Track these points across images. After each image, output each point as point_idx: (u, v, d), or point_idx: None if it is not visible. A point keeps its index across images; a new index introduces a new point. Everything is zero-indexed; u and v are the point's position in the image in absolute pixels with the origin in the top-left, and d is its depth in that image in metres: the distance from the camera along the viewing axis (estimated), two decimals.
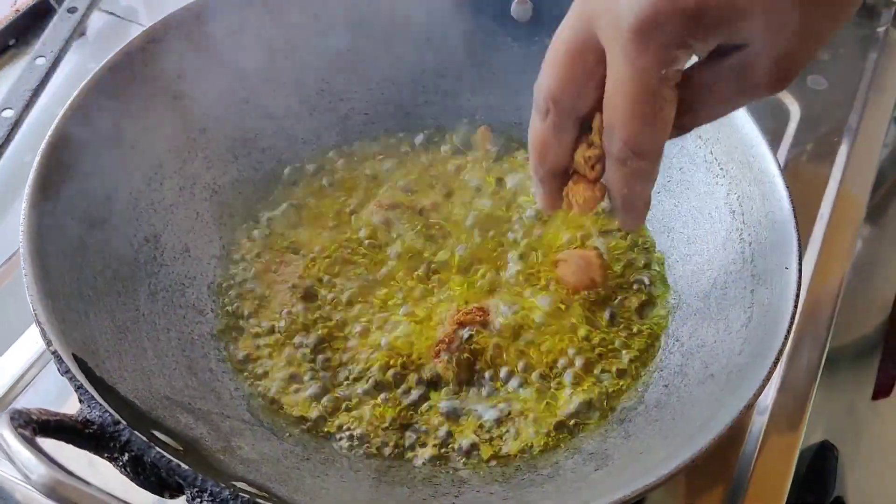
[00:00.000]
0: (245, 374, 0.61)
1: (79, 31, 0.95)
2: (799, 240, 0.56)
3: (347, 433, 0.58)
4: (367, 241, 0.67)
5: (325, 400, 0.59)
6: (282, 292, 0.65)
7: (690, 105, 0.42)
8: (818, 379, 0.70)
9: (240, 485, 0.46)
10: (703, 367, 0.56)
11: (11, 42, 0.99)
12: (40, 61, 0.91)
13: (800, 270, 0.54)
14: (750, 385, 0.49)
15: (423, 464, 0.56)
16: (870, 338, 0.94)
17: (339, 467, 0.55)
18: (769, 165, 0.60)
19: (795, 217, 0.57)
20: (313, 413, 0.59)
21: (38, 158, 0.56)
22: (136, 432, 0.44)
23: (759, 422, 0.67)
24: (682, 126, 0.43)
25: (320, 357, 0.61)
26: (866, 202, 0.83)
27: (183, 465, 0.43)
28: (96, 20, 1.01)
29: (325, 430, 0.58)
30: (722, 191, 0.64)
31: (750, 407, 0.48)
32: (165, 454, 0.44)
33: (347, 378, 0.60)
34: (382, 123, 0.75)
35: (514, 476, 0.55)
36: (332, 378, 0.60)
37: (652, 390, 0.58)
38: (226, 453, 0.51)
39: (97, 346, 0.52)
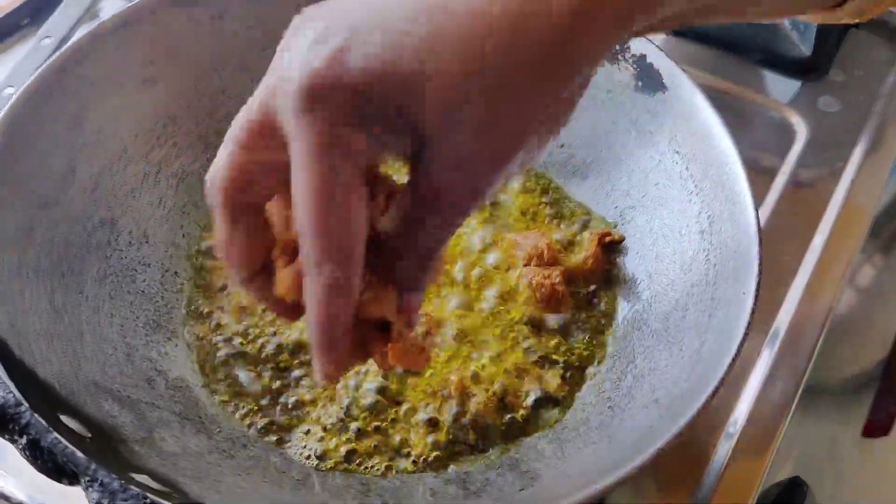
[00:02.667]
0: (197, 366, 0.60)
1: (91, 13, 0.96)
2: (760, 266, 0.53)
3: (280, 434, 0.56)
4: None
5: (264, 400, 0.58)
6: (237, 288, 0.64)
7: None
8: (792, 410, 0.67)
9: (141, 478, 0.44)
10: (650, 390, 0.54)
11: (25, 21, 0.99)
12: (47, 41, 0.92)
13: (755, 296, 0.51)
14: (686, 413, 0.47)
15: (346, 471, 0.54)
16: (867, 373, 0.90)
17: (264, 467, 0.54)
18: (741, 185, 0.57)
19: (760, 241, 0.54)
20: (250, 410, 0.57)
21: None
22: (36, 415, 0.44)
23: (722, 451, 0.64)
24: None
25: (265, 355, 0.60)
26: (866, 229, 0.79)
27: (77, 453, 0.43)
28: (110, 3, 1.01)
29: (260, 428, 0.56)
30: (694, 209, 0.61)
31: (679, 435, 0.46)
32: (62, 440, 0.43)
33: (290, 381, 0.59)
34: None
35: (441, 489, 0.53)
36: (274, 378, 0.59)
37: (597, 410, 0.56)
38: (144, 444, 0.50)
39: (26, 327, 0.52)
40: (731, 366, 0.48)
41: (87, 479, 0.42)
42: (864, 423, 0.84)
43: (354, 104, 0.32)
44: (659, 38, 0.96)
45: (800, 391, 0.68)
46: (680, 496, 0.63)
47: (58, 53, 0.61)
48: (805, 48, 0.92)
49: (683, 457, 0.65)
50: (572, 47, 0.32)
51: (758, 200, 0.79)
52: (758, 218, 0.55)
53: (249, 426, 0.57)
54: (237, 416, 0.57)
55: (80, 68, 0.62)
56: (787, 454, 0.74)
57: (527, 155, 0.35)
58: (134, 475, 0.44)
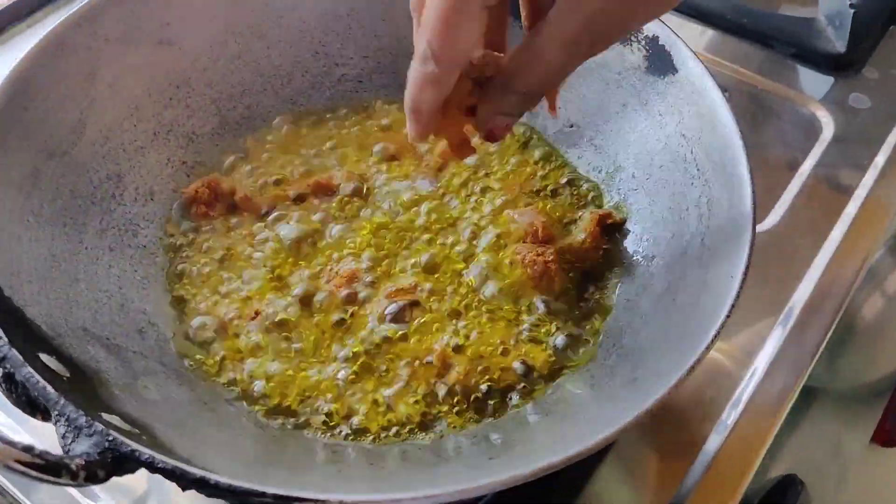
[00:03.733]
0: (182, 320, 0.61)
1: None
2: (751, 250, 0.52)
3: (266, 392, 0.57)
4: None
5: (251, 359, 0.58)
6: (239, 246, 0.64)
7: (517, 70, 0.44)
8: (790, 406, 0.66)
9: (111, 418, 0.45)
10: (632, 370, 0.53)
11: None
12: None
13: (742, 281, 0.50)
14: (657, 392, 0.46)
15: (324, 433, 0.55)
16: (885, 379, 0.88)
17: (243, 423, 0.54)
18: (741, 169, 0.56)
19: (754, 226, 0.53)
20: (237, 367, 0.58)
21: (3, 81, 0.58)
22: (13, 350, 0.45)
23: (714, 442, 0.63)
24: (526, 95, 0.45)
25: (262, 317, 0.60)
26: (886, 228, 0.77)
27: (49, 388, 0.43)
28: None
29: (244, 387, 0.57)
30: (695, 193, 0.60)
31: (650, 412, 0.45)
32: (35, 374, 0.44)
33: (277, 342, 0.59)
34: (374, 92, 0.74)
35: (414, 455, 0.53)
36: (268, 339, 0.60)
37: (578, 387, 0.56)
38: (125, 390, 0.51)
39: (20, 268, 0.53)
40: (707, 348, 0.47)
41: (56, 413, 0.43)
42: (874, 429, 0.82)
43: None
44: (684, 26, 0.95)
45: (799, 387, 0.67)
46: (668, 484, 0.62)
47: (74, 9, 0.63)
48: (839, 44, 0.90)
49: (674, 445, 0.64)
50: None
51: (777, 193, 0.79)
52: (754, 203, 0.54)
53: (231, 383, 0.57)
54: (221, 372, 0.58)
55: (96, 25, 0.63)
56: (787, 451, 0.73)
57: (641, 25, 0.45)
58: (104, 415, 0.45)
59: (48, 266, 0.56)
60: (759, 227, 0.75)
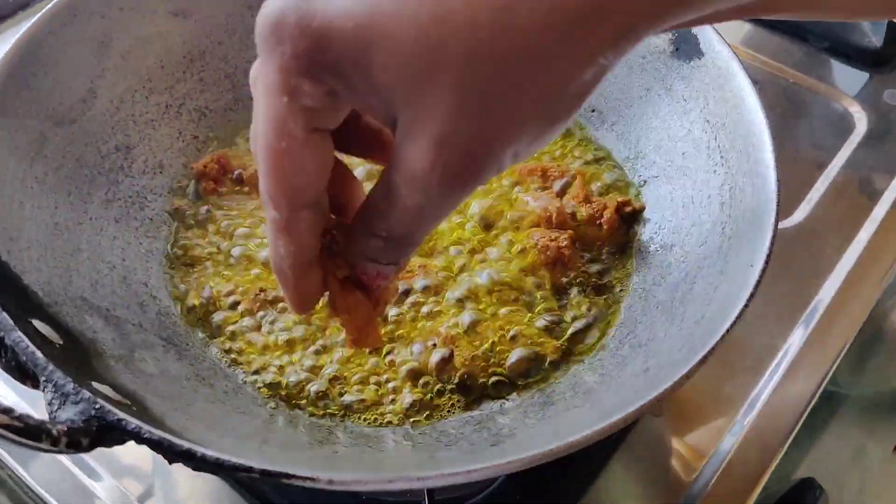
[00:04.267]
0: (186, 298, 0.59)
1: None
2: (773, 238, 0.50)
3: (265, 370, 0.55)
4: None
5: (254, 335, 0.57)
6: (246, 222, 0.63)
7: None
8: (809, 407, 0.63)
9: (102, 388, 0.44)
10: (644, 360, 0.51)
11: None
12: None
13: (762, 271, 0.48)
14: (667, 381, 0.44)
15: (322, 414, 0.53)
16: None
17: (241, 400, 0.53)
18: (766, 155, 0.54)
19: (777, 214, 0.51)
20: (238, 342, 0.57)
21: (12, 45, 0.57)
22: (4, 314, 0.44)
23: (728, 441, 0.61)
24: (391, 241, 0.35)
25: (265, 295, 0.59)
26: None
27: (38, 353, 0.42)
28: None
29: (246, 363, 0.56)
30: (717, 180, 0.58)
31: (659, 400, 0.43)
32: (24, 339, 0.43)
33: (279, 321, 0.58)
34: None
35: (414, 439, 0.51)
36: (269, 314, 0.58)
37: (587, 377, 0.54)
38: (121, 361, 0.50)
39: (20, 234, 0.52)
40: (722, 338, 0.45)
41: (44, 379, 0.42)
42: None
43: (311, 52, 0.30)
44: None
45: (820, 389, 0.65)
46: (679, 482, 0.60)
47: None
48: (876, 39, 0.87)
49: (688, 443, 0.62)
50: (581, 37, 0.29)
51: (805, 188, 0.77)
52: (779, 190, 0.52)
53: (233, 361, 0.56)
54: (222, 349, 0.57)
55: None
56: (809, 455, 0.70)
57: (518, 148, 0.31)
58: (94, 384, 0.44)
59: (50, 234, 0.54)
60: (786, 223, 0.73)
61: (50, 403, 0.42)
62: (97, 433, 0.41)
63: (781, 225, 0.74)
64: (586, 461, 0.60)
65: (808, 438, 0.71)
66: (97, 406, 0.41)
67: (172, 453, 0.40)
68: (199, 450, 0.40)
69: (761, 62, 0.89)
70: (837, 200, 0.76)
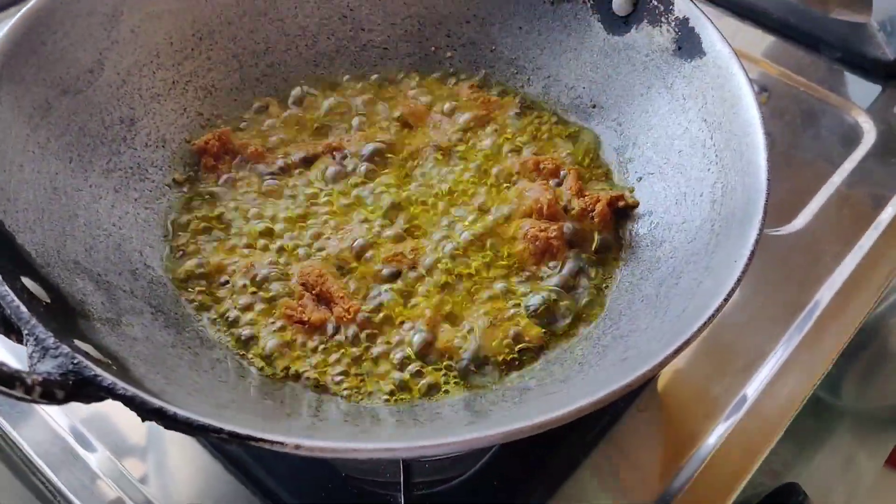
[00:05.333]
0: (180, 270, 0.60)
1: None
2: (758, 236, 0.50)
3: (254, 343, 0.56)
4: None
5: (248, 311, 0.58)
6: (243, 201, 0.64)
7: None
8: (795, 412, 0.63)
9: (84, 346, 0.45)
10: (623, 350, 0.51)
11: None
12: None
13: (745, 266, 0.48)
14: (640, 369, 0.44)
15: (306, 387, 0.54)
16: None
17: (224, 369, 0.54)
18: (758, 155, 0.54)
19: (764, 212, 0.51)
20: (228, 316, 0.57)
21: (22, 12, 0.58)
22: None
23: (713, 440, 0.61)
24: None
25: (262, 272, 0.60)
26: None
27: (22, 307, 0.43)
28: None
29: (237, 339, 0.57)
30: (711, 179, 0.58)
31: (619, 395, 0.43)
32: (10, 293, 0.44)
33: (280, 292, 0.59)
34: (398, 61, 0.74)
35: (394, 416, 0.52)
36: (263, 292, 0.59)
37: (567, 365, 0.54)
38: (108, 324, 0.51)
39: (18, 196, 0.53)
40: (699, 330, 0.45)
41: (26, 333, 0.43)
42: (890, 452, 0.78)
43: None
44: (725, 21, 0.92)
45: (809, 394, 0.64)
46: (659, 480, 0.60)
47: None
48: (890, 51, 0.86)
49: (670, 440, 0.62)
50: None
51: (808, 196, 0.76)
52: (768, 190, 0.52)
53: (221, 332, 0.57)
54: (211, 319, 0.57)
55: None
56: (797, 461, 0.70)
57: None
58: (77, 341, 0.45)
59: (48, 198, 0.56)
60: (786, 228, 0.73)
61: (31, 356, 0.42)
62: (73, 387, 0.41)
63: (782, 230, 0.74)
64: (566, 452, 0.60)
65: (798, 445, 0.70)
66: (75, 361, 0.42)
67: (145, 410, 0.41)
68: (171, 408, 0.41)
69: (772, 69, 0.89)
70: (840, 209, 0.76)
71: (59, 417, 0.62)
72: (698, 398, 0.64)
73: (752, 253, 0.49)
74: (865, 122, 0.83)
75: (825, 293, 0.70)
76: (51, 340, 0.42)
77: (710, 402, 0.64)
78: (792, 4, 0.93)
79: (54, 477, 0.60)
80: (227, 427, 0.40)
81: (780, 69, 0.90)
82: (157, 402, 0.41)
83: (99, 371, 0.42)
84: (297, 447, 0.40)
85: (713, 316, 0.46)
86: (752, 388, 0.64)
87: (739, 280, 0.48)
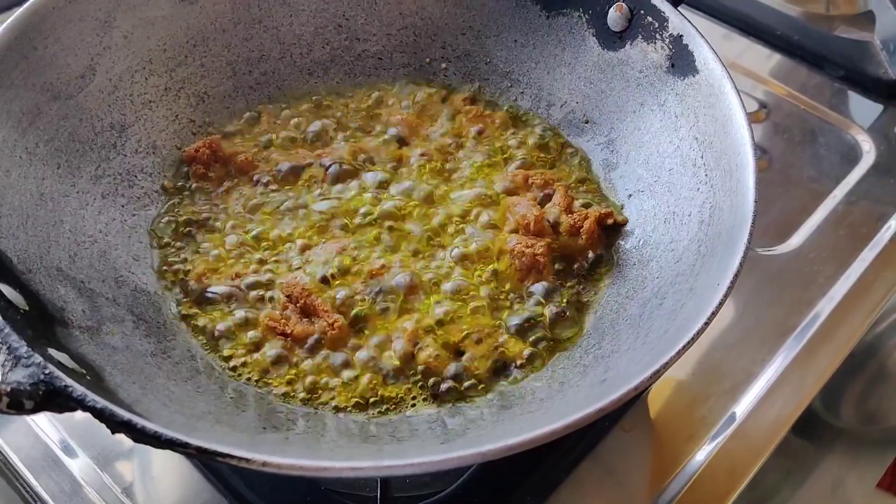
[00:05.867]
0: (166, 276, 0.60)
1: None
2: (742, 260, 0.49)
3: (236, 359, 0.56)
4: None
5: (230, 321, 0.58)
6: (232, 209, 0.64)
7: None
8: (783, 433, 0.62)
9: (59, 355, 0.45)
10: (604, 371, 0.51)
11: None
12: None
13: (728, 290, 0.48)
14: (615, 393, 0.44)
15: (283, 399, 0.54)
16: None
17: (202, 380, 0.54)
18: (747, 175, 0.53)
19: (751, 234, 0.50)
20: (212, 324, 0.57)
21: (14, 16, 0.58)
22: None
23: (698, 460, 0.61)
24: None
25: (248, 280, 0.59)
26: None
27: None
28: None
29: (218, 350, 0.56)
30: (700, 198, 0.57)
31: (593, 417, 0.43)
32: None
33: (265, 302, 0.59)
34: (393, 71, 0.73)
35: (369, 431, 0.51)
36: (250, 303, 0.59)
37: (547, 384, 0.53)
38: (87, 332, 0.51)
39: (2, 201, 0.53)
40: (678, 353, 0.45)
41: (0, 341, 0.43)
42: (882, 475, 0.77)
43: None
44: (729, 37, 0.92)
45: (797, 416, 0.64)
46: (643, 498, 0.60)
47: None
48: (892, 70, 0.86)
49: (656, 460, 0.62)
50: None
51: (804, 215, 0.76)
52: (755, 212, 0.51)
53: (203, 343, 0.57)
54: (194, 329, 0.57)
55: None
56: (784, 479, 0.69)
57: None
58: (52, 350, 0.45)
59: (34, 204, 0.56)
60: (781, 248, 0.73)
61: (2, 365, 0.42)
62: (43, 397, 0.41)
63: (776, 249, 0.74)
64: (549, 469, 0.60)
65: (787, 467, 0.70)
66: (47, 371, 0.42)
67: (114, 422, 0.41)
68: (139, 421, 0.40)
69: (772, 85, 0.88)
70: (836, 229, 0.75)
71: (42, 423, 0.62)
72: (685, 419, 0.64)
73: (736, 277, 0.48)
74: (865, 141, 0.82)
75: (818, 314, 0.69)
76: (23, 349, 0.42)
77: (696, 422, 0.63)
78: (797, 22, 0.92)
79: (35, 482, 0.59)
80: (194, 442, 0.40)
81: (782, 86, 0.89)
82: (125, 415, 0.41)
83: (70, 382, 0.41)
84: (265, 464, 0.40)
85: (691, 341, 0.45)
86: (741, 409, 0.64)
87: (721, 304, 0.47)
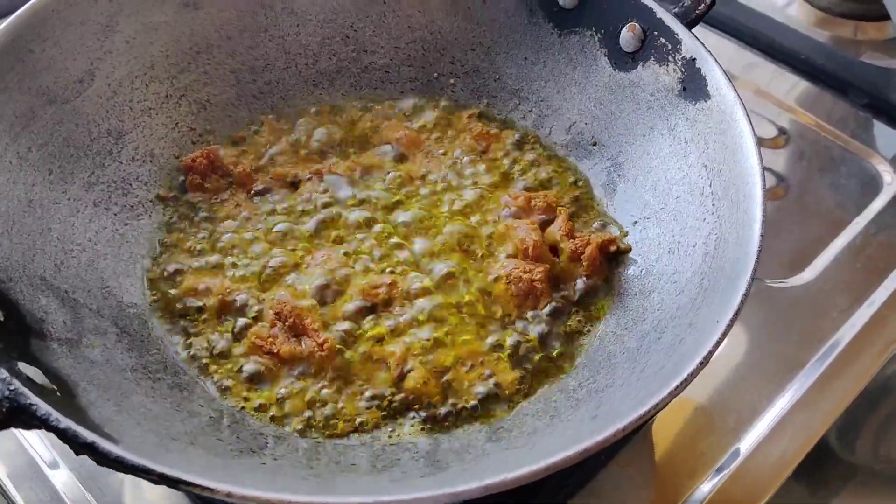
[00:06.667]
0: (155, 288, 0.59)
1: None
2: (744, 296, 0.47)
3: (218, 376, 0.55)
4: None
5: (216, 337, 0.56)
6: (224, 221, 0.63)
7: None
8: (787, 473, 0.60)
9: (29, 370, 0.44)
10: (596, 406, 0.49)
11: None
12: None
13: (727, 328, 0.45)
14: (603, 433, 0.42)
15: (264, 421, 0.52)
16: None
17: (184, 398, 0.52)
18: (754, 207, 0.51)
19: (754, 271, 0.48)
20: (198, 340, 0.56)
21: (12, 18, 0.57)
22: None
23: (699, 495, 0.58)
24: None
25: (237, 298, 0.58)
26: None
27: None
28: None
29: (204, 366, 0.55)
30: (706, 229, 0.55)
31: (585, 452, 0.41)
32: None
33: (253, 320, 0.57)
34: (400, 85, 0.72)
35: (351, 460, 0.50)
36: (235, 318, 0.57)
37: (538, 416, 0.51)
38: (66, 345, 0.50)
39: None
40: (671, 394, 0.43)
41: None
42: None
43: None
44: (751, 60, 0.89)
45: (804, 455, 0.61)
46: None
47: None
48: None
49: (654, 498, 0.60)
50: None
51: (821, 246, 0.73)
52: (760, 247, 0.49)
53: (188, 358, 0.55)
54: (181, 345, 0.56)
55: None
56: None
57: None
58: (21, 364, 0.43)
59: (21, 210, 0.55)
60: (793, 280, 0.70)
61: None
62: (7, 414, 0.40)
63: (788, 282, 0.71)
64: (545, 500, 0.58)
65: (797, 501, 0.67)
66: (12, 388, 0.40)
67: (77, 444, 0.40)
68: (103, 445, 0.39)
69: (793, 111, 0.86)
70: (852, 262, 0.73)
71: (28, 433, 0.61)
72: (686, 452, 0.61)
73: (736, 314, 0.46)
74: (887, 172, 0.79)
75: (829, 350, 0.67)
76: None
77: (698, 459, 0.61)
78: (823, 46, 0.89)
79: (15, 493, 0.58)
80: (158, 468, 0.39)
81: (804, 112, 0.86)
82: (89, 437, 0.39)
83: (35, 399, 0.40)
84: (229, 495, 0.38)
85: (685, 381, 0.43)
86: (745, 445, 0.61)
87: (718, 343, 0.45)
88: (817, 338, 0.67)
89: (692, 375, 0.44)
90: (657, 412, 0.43)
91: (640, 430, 0.60)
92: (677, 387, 0.43)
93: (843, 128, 0.84)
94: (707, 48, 0.60)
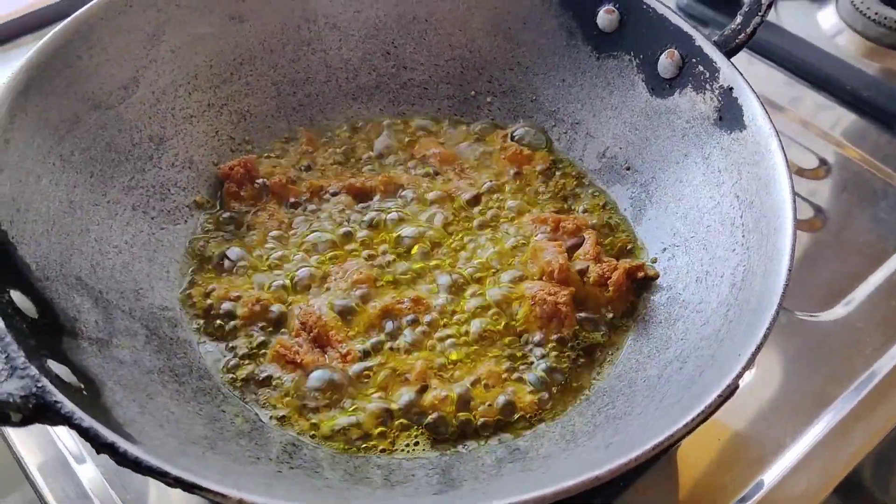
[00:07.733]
0: (188, 293, 0.60)
1: None
2: (767, 333, 0.46)
3: (242, 382, 0.56)
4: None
5: (243, 344, 0.57)
6: (261, 230, 0.64)
7: None
8: None
9: (58, 367, 0.45)
10: (612, 433, 0.49)
11: None
12: None
13: (748, 362, 0.45)
14: (612, 463, 0.42)
15: (284, 429, 0.53)
16: None
17: (205, 401, 0.53)
18: (784, 241, 0.51)
19: (779, 305, 0.48)
20: (226, 344, 0.57)
21: (62, 24, 0.59)
22: None
23: None
24: None
25: (268, 305, 0.59)
26: None
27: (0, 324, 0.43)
28: None
29: (229, 373, 0.56)
30: (734, 260, 0.55)
31: (586, 488, 0.41)
32: None
33: (280, 329, 0.58)
34: (438, 102, 0.72)
35: (364, 472, 0.50)
36: (263, 326, 0.58)
37: (554, 440, 0.51)
38: (96, 344, 0.51)
39: (29, 207, 0.54)
40: (686, 427, 0.42)
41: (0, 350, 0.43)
42: None
43: None
44: (797, 89, 0.88)
45: (829, 490, 0.60)
46: None
47: None
48: None
49: None
50: None
51: (856, 281, 0.72)
52: (787, 282, 0.49)
53: (220, 366, 0.56)
54: (208, 352, 0.57)
55: None
56: None
57: None
58: (51, 362, 0.45)
59: (62, 211, 0.56)
60: (826, 314, 0.69)
61: None
62: (33, 411, 0.41)
63: (820, 315, 0.70)
64: None
65: None
66: (39, 384, 0.41)
67: (98, 444, 0.41)
68: (122, 445, 0.40)
69: (837, 142, 0.84)
70: (888, 299, 0.71)
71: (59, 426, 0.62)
72: (708, 485, 0.61)
73: (758, 349, 0.46)
74: None
75: (860, 387, 0.65)
76: (20, 360, 0.42)
77: (720, 488, 0.60)
78: (869, 77, 0.88)
79: (43, 484, 0.60)
80: (174, 472, 0.39)
81: (846, 143, 0.85)
82: (110, 437, 0.40)
83: (60, 397, 0.41)
84: (240, 502, 0.39)
85: (702, 414, 0.43)
86: (769, 478, 0.60)
87: (739, 377, 0.45)
88: (849, 373, 0.66)
89: (710, 408, 0.43)
90: (673, 444, 0.43)
91: (659, 457, 0.59)
92: (694, 419, 0.43)
93: (887, 161, 0.83)
94: (745, 78, 0.59)
